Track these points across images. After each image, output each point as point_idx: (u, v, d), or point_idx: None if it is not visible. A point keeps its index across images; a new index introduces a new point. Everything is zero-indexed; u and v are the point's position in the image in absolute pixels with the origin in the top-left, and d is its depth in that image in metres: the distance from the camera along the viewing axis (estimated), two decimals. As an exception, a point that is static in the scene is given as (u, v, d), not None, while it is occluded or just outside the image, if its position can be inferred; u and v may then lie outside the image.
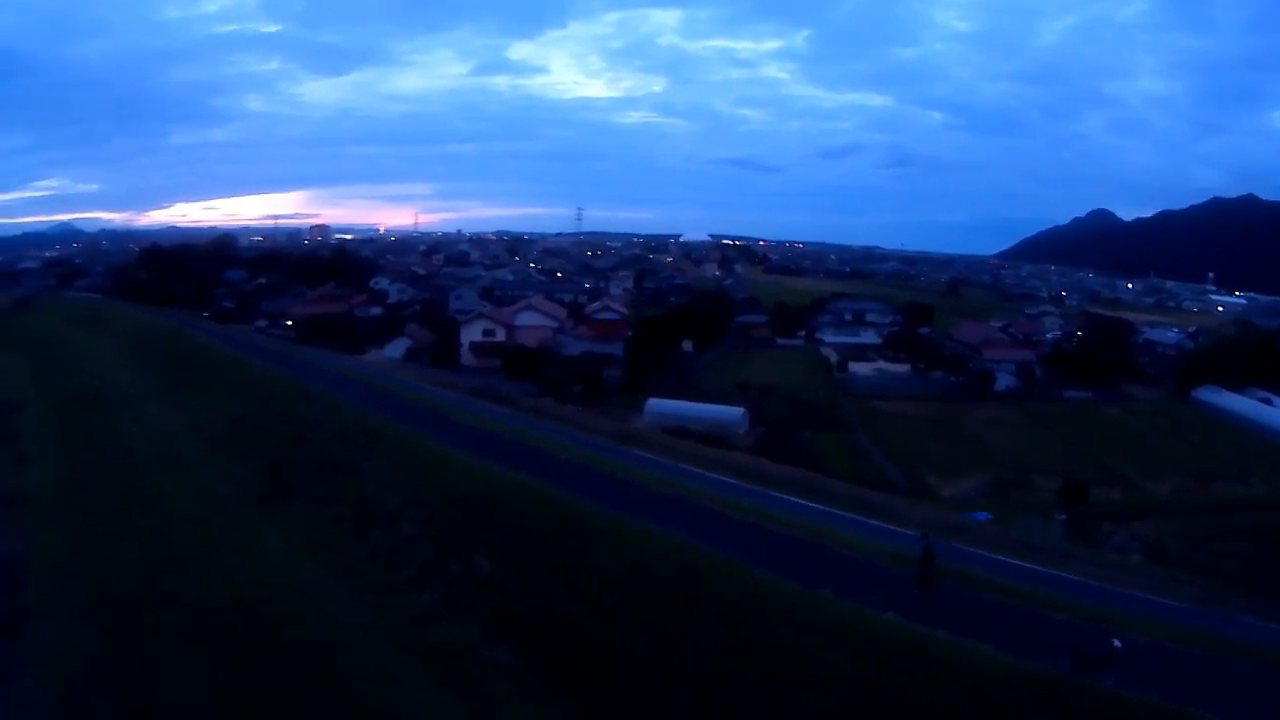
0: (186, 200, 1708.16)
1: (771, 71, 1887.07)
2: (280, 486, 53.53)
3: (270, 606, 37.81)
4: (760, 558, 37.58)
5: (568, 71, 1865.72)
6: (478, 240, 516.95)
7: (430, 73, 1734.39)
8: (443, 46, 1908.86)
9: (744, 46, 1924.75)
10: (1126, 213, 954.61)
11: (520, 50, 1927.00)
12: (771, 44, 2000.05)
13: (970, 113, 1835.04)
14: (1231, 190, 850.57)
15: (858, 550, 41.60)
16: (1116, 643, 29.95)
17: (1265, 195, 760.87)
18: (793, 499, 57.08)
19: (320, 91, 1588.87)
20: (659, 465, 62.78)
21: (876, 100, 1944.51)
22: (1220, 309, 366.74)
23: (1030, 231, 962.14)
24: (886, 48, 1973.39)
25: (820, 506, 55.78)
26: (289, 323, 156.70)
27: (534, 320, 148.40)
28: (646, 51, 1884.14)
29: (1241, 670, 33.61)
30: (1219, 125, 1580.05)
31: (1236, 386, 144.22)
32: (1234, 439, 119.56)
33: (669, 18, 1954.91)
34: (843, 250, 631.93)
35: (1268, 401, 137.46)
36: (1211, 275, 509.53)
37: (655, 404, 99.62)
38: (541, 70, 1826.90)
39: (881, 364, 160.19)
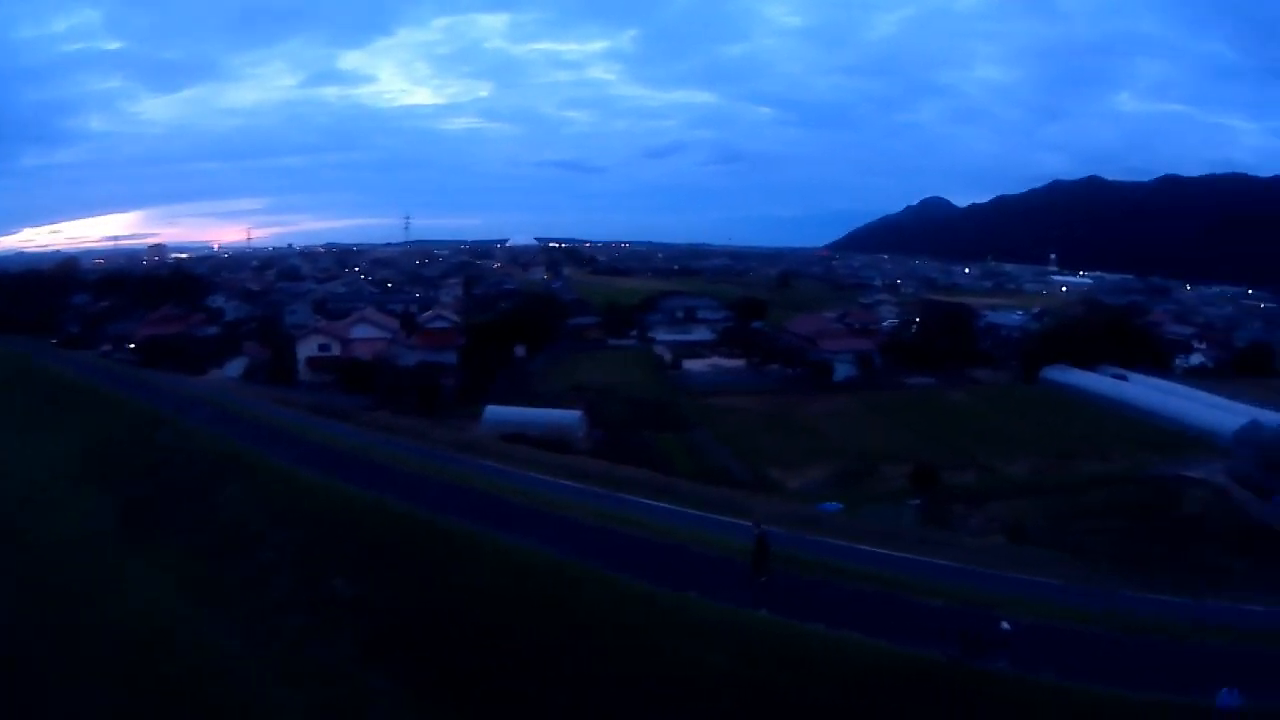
0: (33, 225, 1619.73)
1: (598, 73, 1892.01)
2: (142, 518, 52.27)
3: (141, 639, 36.60)
4: (622, 563, 37.21)
5: (395, 79, 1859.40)
6: (308, 254, 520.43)
7: (263, 85, 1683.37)
8: (276, 58, 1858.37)
9: (570, 48, 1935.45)
10: (962, 199, 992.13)
11: (350, 60, 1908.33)
12: (598, 45, 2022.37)
13: (801, 107, 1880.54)
14: (1074, 173, 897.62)
15: (715, 549, 41.87)
16: (1005, 625, 29.71)
17: (1109, 176, 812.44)
18: (644, 500, 57.58)
19: (158, 109, 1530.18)
20: (507, 474, 62.77)
21: (703, 98, 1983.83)
22: (1064, 289, 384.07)
23: (862, 222, 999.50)
24: (714, 45, 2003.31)
25: (671, 507, 56.36)
26: (132, 346, 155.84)
27: (368, 332, 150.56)
28: (473, 56, 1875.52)
29: (1131, 645, 34.20)
30: (1061, 110, 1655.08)
31: (1088, 365, 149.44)
32: (1089, 417, 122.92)
33: (496, 22, 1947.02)
34: (669, 248, 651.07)
35: (1122, 378, 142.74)
36: (1053, 256, 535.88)
37: (492, 411, 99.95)
38: (370, 79, 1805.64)
39: (716, 360, 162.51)
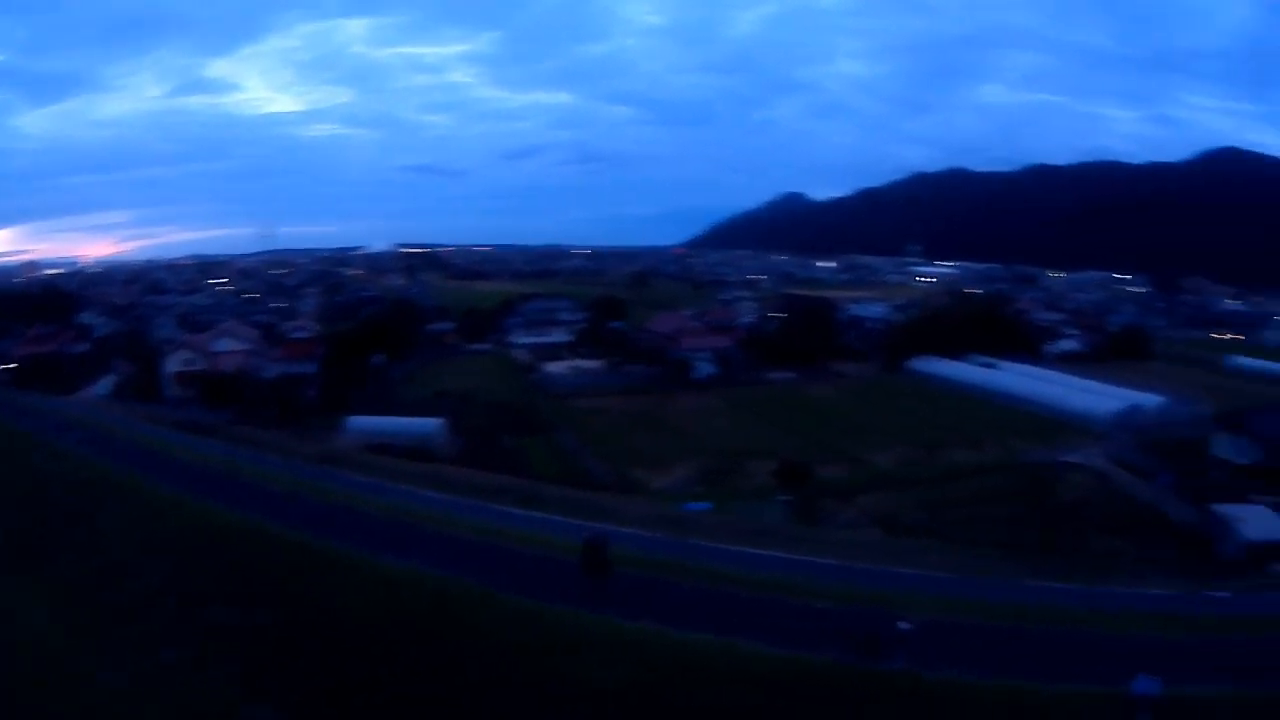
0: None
1: (457, 75, 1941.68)
2: (22, 546, 50.36)
3: (18, 674, 35.09)
4: (501, 578, 37.03)
5: (260, 87, 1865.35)
6: (174, 266, 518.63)
7: (134, 96, 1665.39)
8: (147, 68, 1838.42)
9: (430, 52, 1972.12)
10: (821, 194, 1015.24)
11: (217, 68, 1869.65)
12: (458, 48, 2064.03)
13: (659, 106, 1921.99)
14: (938, 165, 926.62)
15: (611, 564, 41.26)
16: (903, 625, 29.82)
17: (975, 167, 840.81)
18: (512, 510, 58.27)
19: (36, 122, 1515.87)
20: (376, 488, 63.07)
21: (562, 98, 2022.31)
22: (929, 280, 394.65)
23: (720, 219, 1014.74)
24: (574, 45, 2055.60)
25: (539, 515, 56.93)
26: (7, 366, 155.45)
27: (231, 345, 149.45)
28: (335, 62, 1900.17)
29: (1034, 635, 34.75)
30: (926, 103, 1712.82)
31: (955, 354, 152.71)
32: (957, 406, 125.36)
33: (358, 27, 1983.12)
34: (527, 251, 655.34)
35: (991, 366, 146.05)
36: (915, 248, 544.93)
37: (356, 421, 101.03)
38: (236, 87, 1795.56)
39: (576, 362, 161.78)
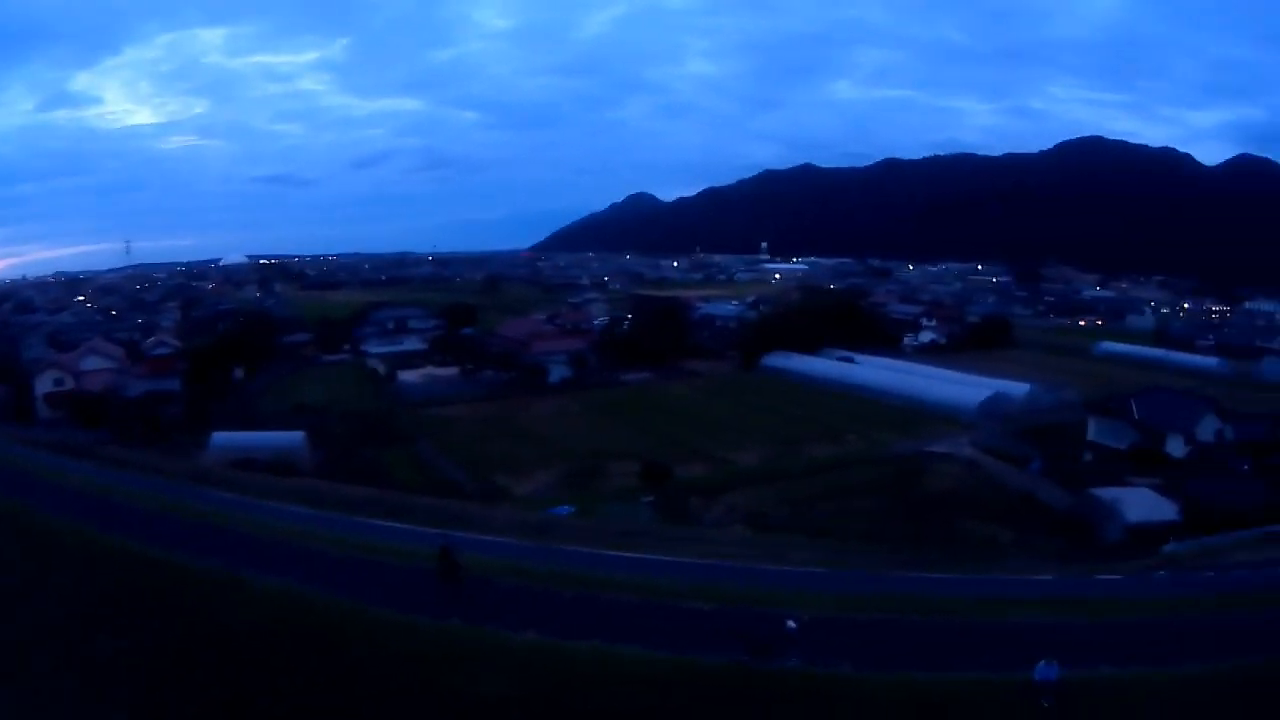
0: None
1: (308, 83, 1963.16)
2: None
3: None
4: (377, 594, 36.31)
5: (121, 100, 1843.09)
6: (40, 284, 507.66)
7: (4, 110, 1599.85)
8: (15, 82, 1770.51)
9: (284, 60, 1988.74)
10: (669, 194, 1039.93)
11: (81, 81, 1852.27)
12: (310, 55, 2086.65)
13: (507, 109, 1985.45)
14: (787, 162, 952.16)
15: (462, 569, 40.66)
16: (791, 624, 29.44)
17: (822, 163, 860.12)
18: (381, 523, 57.71)
19: None
20: (247, 506, 61.59)
21: (411, 104, 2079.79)
22: (777, 276, 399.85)
23: (568, 221, 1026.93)
24: (423, 51, 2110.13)
25: (407, 526, 56.28)
26: None
27: (97, 364, 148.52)
28: (192, 73, 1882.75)
29: (926, 627, 34.57)
30: (775, 101, 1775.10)
31: (812, 350, 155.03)
32: (816, 401, 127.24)
33: (215, 36, 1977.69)
34: (376, 258, 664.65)
35: (849, 360, 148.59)
36: (764, 245, 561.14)
37: (219, 438, 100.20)
38: (97, 101, 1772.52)
39: (430, 369, 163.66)
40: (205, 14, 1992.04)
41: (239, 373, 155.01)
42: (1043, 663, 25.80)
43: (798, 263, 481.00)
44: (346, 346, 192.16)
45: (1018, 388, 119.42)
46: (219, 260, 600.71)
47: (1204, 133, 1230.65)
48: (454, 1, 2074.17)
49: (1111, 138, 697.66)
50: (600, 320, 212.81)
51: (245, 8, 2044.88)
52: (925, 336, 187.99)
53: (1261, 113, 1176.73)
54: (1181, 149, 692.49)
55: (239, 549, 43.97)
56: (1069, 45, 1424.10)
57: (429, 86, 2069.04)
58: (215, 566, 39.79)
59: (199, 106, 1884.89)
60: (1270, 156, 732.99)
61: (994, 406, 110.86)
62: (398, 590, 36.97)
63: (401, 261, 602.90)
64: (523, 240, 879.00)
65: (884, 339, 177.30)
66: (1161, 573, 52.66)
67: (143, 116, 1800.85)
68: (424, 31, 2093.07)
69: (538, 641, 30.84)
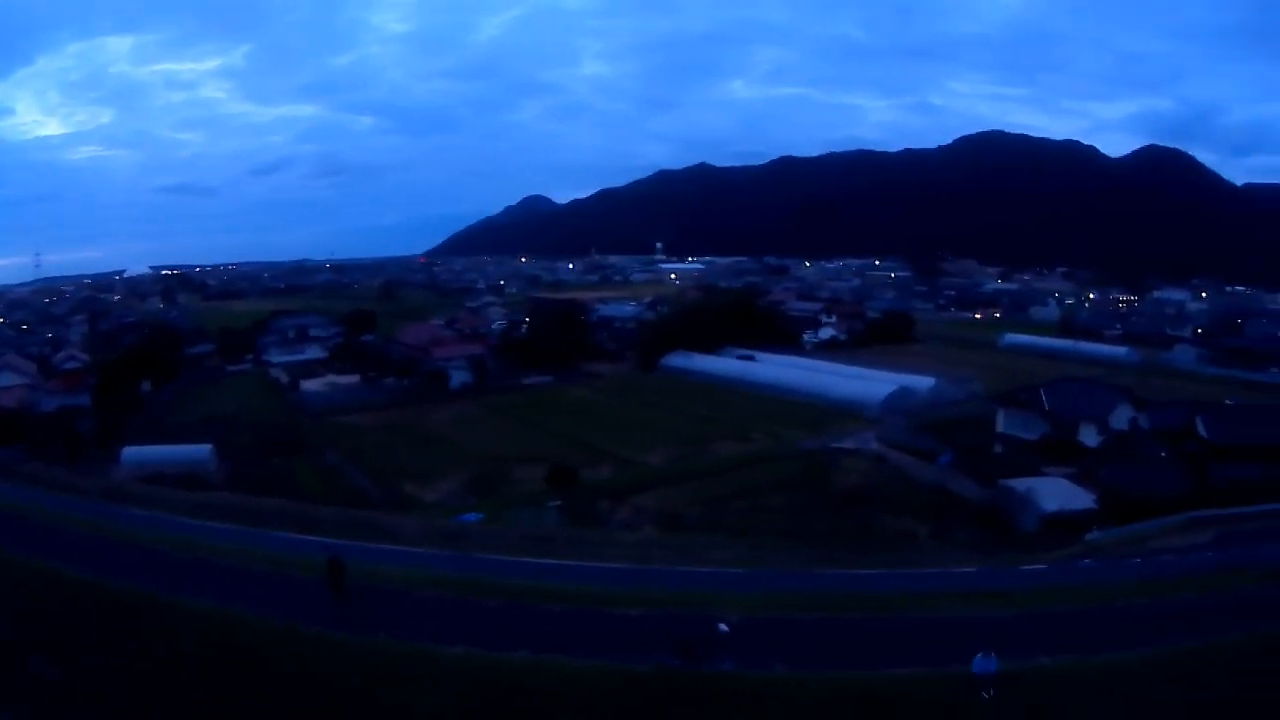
0: None
1: (210, 91, 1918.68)
2: None
3: None
4: (306, 611, 34.97)
5: (31, 111, 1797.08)
6: None
7: None
8: None
9: (187, 68, 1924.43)
10: (564, 196, 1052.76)
11: None
12: (212, 63, 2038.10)
13: (402, 114, 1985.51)
14: (681, 162, 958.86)
15: (382, 581, 41.02)
16: (723, 626, 29.49)
17: (717, 162, 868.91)
18: (293, 535, 57.40)
19: None
20: (162, 522, 60.75)
21: (309, 110, 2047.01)
22: (673, 276, 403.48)
23: (462, 225, 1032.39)
24: (322, 56, 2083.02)
25: (318, 539, 54.37)
26: None
27: (10, 380, 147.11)
28: (99, 82, 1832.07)
29: (848, 622, 34.92)
30: (669, 101, 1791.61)
31: (711, 349, 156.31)
32: (718, 400, 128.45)
33: (122, 45, 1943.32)
34: (275, 267, 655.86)
35: (749, 359, 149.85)
36: (659, 245, 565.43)
37: (130, 453, 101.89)
38: (9, 112, 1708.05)
39: (331, 378, 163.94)
40: (114, 21, 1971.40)
41: (147, 385, 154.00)
42: (980, 655, 25.66)
43: (693, 262, 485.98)
44: (249, 356, 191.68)
45: (922, 382, 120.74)
46: (123, 272, 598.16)
47: (1110, 125, 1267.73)
48: (353, 6, 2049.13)
49: (1013, 131, 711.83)
50: (498, 324, 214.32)
51: (152, 15, 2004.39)
52: (825, 333, 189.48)
53: (1169, 104, 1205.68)
54: (1086, 142, 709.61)
55: (157, 567, 43.42)
56: (970, 41, 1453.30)
57: (327, 92, 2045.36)
58: (136, 586, 38.73)
59: (105, 116, 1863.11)
60: (1179, 147, 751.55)
61: (898, 401, 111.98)
62: (320, 605, 36.19)
63: (300, 269, 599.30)
64: (418, 245, 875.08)
65: (784, 337, 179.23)
66: (1086, 561, 53.36)
67: (52, 127, 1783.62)
68: (323, 37, 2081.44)
69: (468, 655, 30.13)
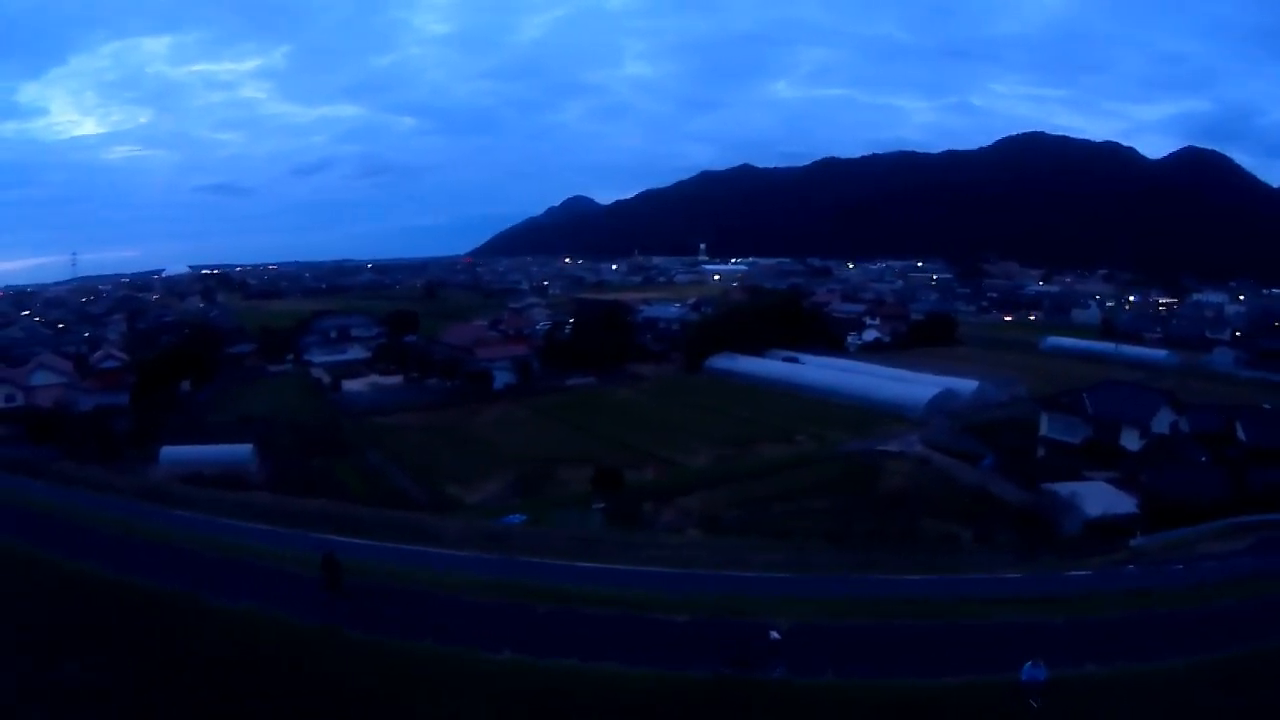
0: None
1: (249, 91, 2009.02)
2: None
3: None
4: (346, 616, 34.87)
5: (67, 111, 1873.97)
6: None
7: None
8: None
9: (225, 68, 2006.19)
10: (606, 197, 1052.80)
11: (28, 92, 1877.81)
12: (251, 63, 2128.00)
13: (444, 115, 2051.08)
14: (725, 163, 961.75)
15: (427, 585, 40.77)
16: (774, 634, 29.17)
17: (760, 163, 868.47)
18: (336, 538, 55.28)
19: None
20: (201, 523, 59.95)
21: (351, 111, 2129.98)
22: (716, 277, 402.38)
23: (505, 226, 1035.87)
24: (363, 57, 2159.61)
25: (363, 541, 54.97)
26: None
27: (47, 379, 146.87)
28: (136, 82, 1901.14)
29: (900, 628, 34.54)
30: (713, 102, 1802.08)
31: (757, 351, 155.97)
32: (763, 403, 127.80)
33: (159, 45, 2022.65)
34: (316, 267, 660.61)
35: (794, 361, 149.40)
36: (702, 246, 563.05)
37: (169, 452, 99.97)
38: (43, 111, 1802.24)
39: (374, 378, 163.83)
40: (150, 22, 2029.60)
41: (186, 385, 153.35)
42: (1030, 663, 25.66)
43: (736, 263, 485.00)
44: (290, 356, 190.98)
45: (965, 385, 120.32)
46: (162, 271, 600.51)
47: (1149, 126, 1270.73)
48: (393, 6, 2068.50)
49: (1053, 133, 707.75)
50: (542, 325, 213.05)
51: (189, 16, 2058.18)
52: (869, 335, 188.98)
53: (1208, 105, 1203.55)
54: (1125, 143, 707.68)
55: (199, 569, 43.23)
56: (1011, 41, 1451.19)
57: (368, 93, 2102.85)
58: (178, 589, 38.88)
59: (143, 116, 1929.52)
60: (1217, 148, 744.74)
61: (942, 404, 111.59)
62: (366, 615, 35.74)
63: (341, 269, 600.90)
64: (462, 246, 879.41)
65: (828, 339, 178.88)
66: (1131, 567, 52.97)
67: (88, 127, 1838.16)
68: (363, 37, 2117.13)
69: (515, 661, 30.16)
